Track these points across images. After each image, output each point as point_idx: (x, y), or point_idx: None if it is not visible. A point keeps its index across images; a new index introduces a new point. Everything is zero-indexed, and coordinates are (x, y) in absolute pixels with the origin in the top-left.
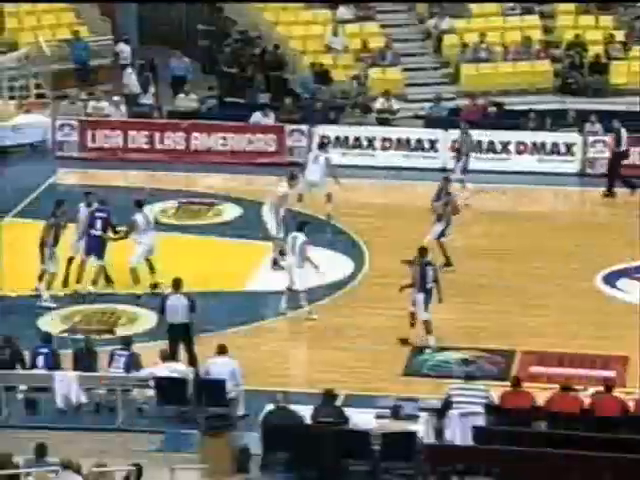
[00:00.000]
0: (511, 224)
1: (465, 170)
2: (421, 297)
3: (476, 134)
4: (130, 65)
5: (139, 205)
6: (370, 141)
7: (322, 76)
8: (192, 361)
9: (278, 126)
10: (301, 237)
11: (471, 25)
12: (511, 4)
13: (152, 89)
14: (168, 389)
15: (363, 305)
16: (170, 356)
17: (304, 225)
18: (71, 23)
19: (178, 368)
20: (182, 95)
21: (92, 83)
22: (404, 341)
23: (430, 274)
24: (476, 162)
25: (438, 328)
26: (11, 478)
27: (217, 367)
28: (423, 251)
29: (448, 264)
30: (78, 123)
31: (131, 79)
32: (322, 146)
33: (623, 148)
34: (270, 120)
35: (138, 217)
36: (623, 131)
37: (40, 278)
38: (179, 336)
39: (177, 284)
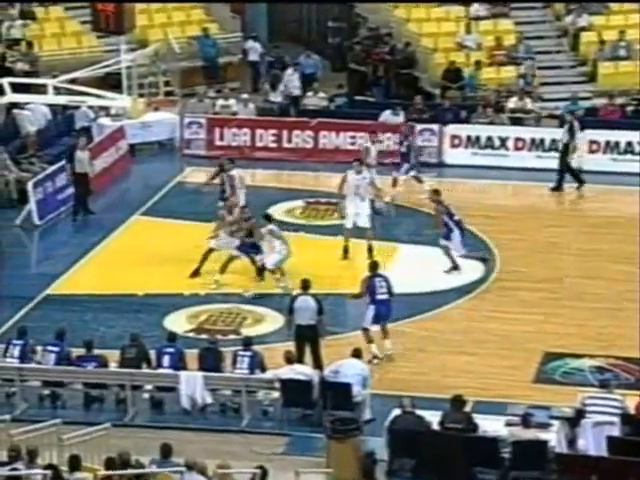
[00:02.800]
0: None
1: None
2: (370, 309)
3: (614, 135)
4: (292, 65)
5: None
6: (503, 141)
7: (454, 75)
8: (318, 364)
9: (408, 125)
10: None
11: (610, 22)
12: None
13: (281, 87)
14: (294, 391)
15: (493, 309)
16: (296, 358)
17: (269, 216)
18: (201, 20)
19: (304, 371)
20: (311, 93)
21: (220, 81)
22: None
23: (379, 285)
24: (612, 164)
25: (575, 334)
26: (136, 478)
27: (347, 369)
28: (374, 265)
29: (456, 267)
30: (206, 121)
31: (293, 80)
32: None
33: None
34: (400, 119)
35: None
36: (576, 124)
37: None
38: (306, 338)
39: (305, 285)
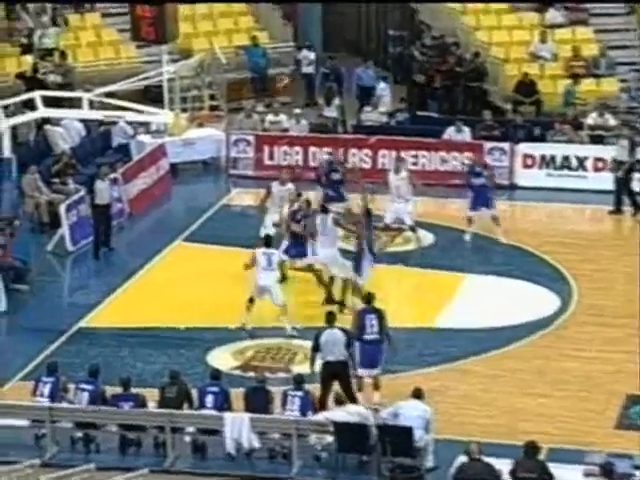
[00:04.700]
0: None
1: None
2: (356, 347)
3: None
4: (382, 79)
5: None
6: (581, 161)
7: (527, 88)
8: (353, 404)
9: (475, 143)
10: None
11: None
12: None
13: (336, 101)
14: (349, 435)
15: (571, 346)
16: (320, 398)
17: (269, 239)
18: (249, 28)
19: (359, 410)
20: (369, 108)
21: (270, 94)
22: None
23: (369, 324)
24: None
25: None
26: None
27: (407, 411)
28: (368, 298)
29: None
30: (254, 138)
31: (386, 95)
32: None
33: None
34: (465, 136)
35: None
36: (638, 139)
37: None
38: (336, 376)
39: (331, 318)
